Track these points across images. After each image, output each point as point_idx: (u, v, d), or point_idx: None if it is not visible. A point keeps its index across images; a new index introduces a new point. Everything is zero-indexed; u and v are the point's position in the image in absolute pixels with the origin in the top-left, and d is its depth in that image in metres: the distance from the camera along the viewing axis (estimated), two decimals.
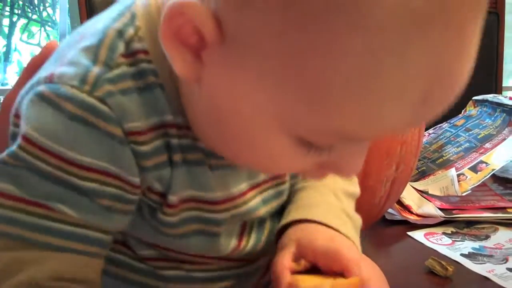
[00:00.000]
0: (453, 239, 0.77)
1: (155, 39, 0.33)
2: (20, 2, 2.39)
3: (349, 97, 0.28)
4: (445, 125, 1.11)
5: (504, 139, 0.94)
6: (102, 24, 0.36)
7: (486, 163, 0.90)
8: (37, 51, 2.33)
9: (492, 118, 1.03)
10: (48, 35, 2.39)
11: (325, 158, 0.34)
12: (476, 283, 0.65)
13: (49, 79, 0.34)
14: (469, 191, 0.86)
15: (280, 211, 0.48)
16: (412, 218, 0.83)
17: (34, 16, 2.40)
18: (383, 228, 0.82)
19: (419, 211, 0.84)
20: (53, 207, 0.34)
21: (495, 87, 1.47)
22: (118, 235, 0.42)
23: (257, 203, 0.44)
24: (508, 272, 0.66)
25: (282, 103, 0.30)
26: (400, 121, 0.30)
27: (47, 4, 2.42)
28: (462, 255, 0.72)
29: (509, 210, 0.86)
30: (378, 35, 0.26)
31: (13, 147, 0.34)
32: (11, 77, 2.36)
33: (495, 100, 1.06)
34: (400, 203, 0.86)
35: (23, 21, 2.38)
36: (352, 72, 0.27)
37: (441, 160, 0.98)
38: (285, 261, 0.42)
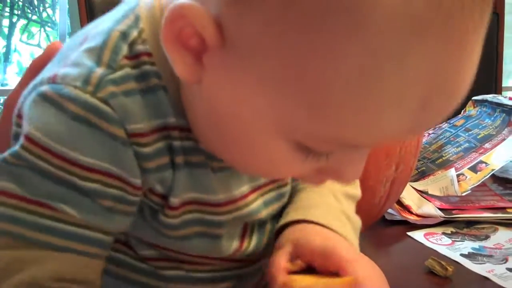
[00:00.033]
0: (453, 239, 0.77)
1: (158, 41, 0.34)
2: (20, 3, 2.40)
3: (348, 103, 0.28)
4: (444, 125, 1.11)
5: (504, 139, 0.94)
6: (106, 26, 0.36)
7: (485, 163, 0.90)
8: (37, 51, 2.34)
9: (492, 118, 1.03)
10: (48, 36, 2.39)
11: (323, 164, 0.34)
12: (476, 283, 0.65)
13: (52, 80, 0.35)
14: (469, 191, 0.86)
15: (281, 213, 0.48)
16: (412, 218, 0.83)
17: (34, 17, 2.40)
18: (383, 228, 0.82)
19: (419, 211, 0.84)
20: (55, 207, 0.35)
21: (494, 87, 1.47)
22: (120, 235, 0.42)
23: (259, 205, 0.44)
24: (508, 272, 0.66)
25: (281, 108, 0.30)
26: (399, 128, 0.30)
27: (46, 5, 2.42)
28: (462, 255, 0.72)
29: (508, 210, 0.86)
30: (377, 40, 0.26)
31: (16, 147, 0.35)
32: (11, 78, 2.36)
33: (495, 100, 1.06)
34: (400, 203, 0.86)
35: (23, 21, 2.38)
36: (351, 77, 0.27)
37: (440, 160, 0.98)
38: (280, 261, 0.42)
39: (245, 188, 0.43)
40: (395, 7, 0.26)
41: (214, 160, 0.39)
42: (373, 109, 0.28)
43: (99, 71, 0.34)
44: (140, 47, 0.35)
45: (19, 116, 0.36)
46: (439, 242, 0.76)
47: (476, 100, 1.11)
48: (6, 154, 0.35)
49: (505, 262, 0.69)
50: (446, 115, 0.31)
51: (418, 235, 0.79)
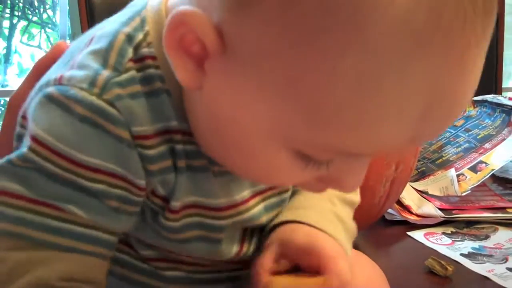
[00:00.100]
0: (453, 239, 0.77)
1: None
2: (20, 4, 2.40)
3: (347, 112, 0.28)
4: None
5: (504, 139, 0.95)
6: (112, 28, 0.36)
7: (485, 163, 0.90)
8: (37, 52, 2.34)
9: (492, 119, 1.04)
10: (48, 37, 2.39)
11: (324, 172, 0.34)
12: (476, 283, 0.65)
13: (59, 81, 0.34)
14: (469, 191, 0.86)
15: None
16: (412, 218, 0.83)
17: (34, 18, 2.40)
18: (383, 228, 0.83)
19: (419, 211, 0.84)
20: (62, 208, 0.34)
21: (495, 88, 1.47)
22: (121, 235, 0.42)
23: (260, 211, 0.44)
24: (508, 271, 0.66)
25: (281, 114, 0.30)
26: (399, 138, 0.30)
27: (47, 6, 2.42)
28: (462, 255, 0.72)
29: (508, 210, 0.86)
30: (378, 51, 0.26)
31: (23, 149, 0.34)
32: (12, 79, 2.36)
33: (495, 100, 1.06)
34: (399, 203, 0.86)
35: (23, 23, 2.37)
36: (350, 87, 0.27)
37: (440, 160, 0.98)
38: (264, 262, 0.42)
39: (246, 193, 0.42)
40: (396, 20, 0.26)
41: (215, 164, 0.39)
42: (373, 119, 0.28)
43: (105, 73, 0.34)
44: (145, 50, 0.35)
45: (24, 117, 0.36)
46: (439, 242, 0.76)
47: (476, 101, 1.11)
48: (12, 156, 0.35)
49: (505, 262, 0.69)
50: (447, 126, 0.31)
51: (418, 235, 0.79)
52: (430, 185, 0.92)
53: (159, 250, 0.43)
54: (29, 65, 2.32)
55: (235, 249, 0.44)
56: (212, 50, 0.31)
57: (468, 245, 0.75)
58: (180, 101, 0.36)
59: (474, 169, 0.90)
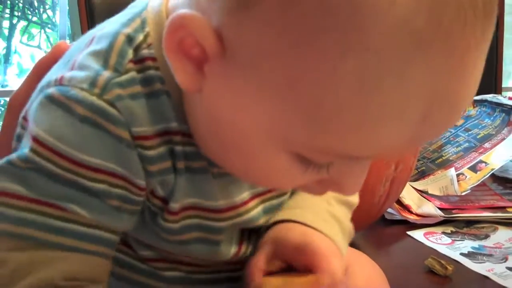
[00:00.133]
0: (453, 239, 0.77)
1: None
2: (20, 4, 2.40)
3: (346, 115, 0.28)
4: None
5: (503, 139, 0.95)
6: (112, 28, 0.36)
7: (485, 162, 0.91)
8: (37, 53, 2.34)
9: (491, 118, 1.04)
10: (48, 37, 2.39)
11: (324, 176, 0.34)
12: (476, 282, 0.65)
13: (59, 82, 0.35)
14: (469, 191, 0.86)
15: None
16: (411, 217, 0.83)
17: (34, 18, 2.40)
18: (383, 228, 0.83)
19: (419, 211, 0.84)
20: (65, 208, 0.34)
21: (494, 88, 1.47)
22: (121, 234, 0.42)
23: (258, 213, 0.44)
24: (508, 271, 0.66)
25: (280, 117, 0.30)
26: (399, 141, 0.30)
27: (47, 6, 2.42)
28: (461, 254, 0.72)
29: (508, 209, 0.86)
30: (376, 54, 0.26)
31: (24, 150, 0.34)
32: (11, 79, 2.36)
33: (494, 100, 1.06)
34: (399, 202, 0.86)
35: (23, 23, 2.37)
36: (350, 89, 0.27)
37: (440, 160, 0.99)
38: (257, 262, 0.42)
39: (245, 195, 0.42)
40: (396, 20, 0.26)
41: (215, 166, 0.39)
42: (373, 120, 0.28)
43: (106, 74, 0.34)
44: (145, 52, 0.35)
45: (25, 118, 0.36)
46: (439, 242, 0.76)
47: (475, 100, 1.12)
48: (13, 156, 0.35)
49: (505, 261, 0.69)
50: (447, 128, 0.31)
51: (418, 234, 0.79)
52: (430, 184, 0.92)
53: (158, 251, 0.43)
54: (29, 65, 2.32)
55: (233, 250, 0.44)
56: (211, 53, 0.30)
57: (468, 245, 0.75)
58: (180, 103, 0.36)
59: (474, 168, 0.90)
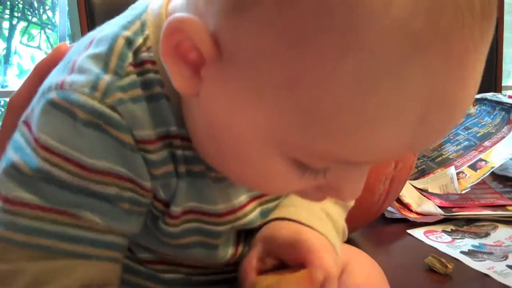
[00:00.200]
0: (453, 237, 0.77)
1: None
2: (20, 5, 2.40)
3: (344, 119, 0.28)
4: None
5: (503, 137, 0.95)
6: (112, 31, 0.36)
7: (485, 161, 0.91)
8: (37, 53, 2.34)
9: (491, 116, 1.04)
10: (48, 38, 2.39)
11: (321, 181, 0.34)
12: (476, 280, 0.65)
13: (60, 86, 0.34)
14: (469, 189, 0.86)
15: None
16: (411, 216, 0.84)
17: (34, 19, 2.40)
18: (383, 226, 0.83)
19: (419, 209, 0.84)
20: (78, 215, 0.34)
21: (494, 86, 1.47)
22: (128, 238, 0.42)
23: (256, 216, 0.44)
24: (508, 269, 0.66)
25: (277, 121, 0.30)
26: (397, 145, 0.29)
27: (46, 7, 2.42)
28: (462, 252, 0.72)
29: (508, 207, 0.86)
30: (372, 55, 0.26)
31: (33, 160, 0.34)
32: (11, 80, 2.36)
33: (494, 98, 1.07)
34: (399, 201, 0.86)
35: (23, 24, 2.37)
36: (347, 90, 0.27)
37: (440, 158, 0.99)
38: (251, 261, 0.42)
39: (243, 198, 0.42)
40: (392, 21, 0.26)
41: (212, 171, 0.39)
42: (370, 123, 0.28)
43: (107, 77, 0.34)
44: (144, 55, 0.35)
45: (26, 122, 0.36)
46: (439, 240, 0.76)
47: (475, 99, 1.11)
48: (21, 164, 0.34)
49: (505, 259, 0.69)
50: (446, 131, 0.31)
51: (418, 233, 0.79)
52: (430, 183, 0.92)
53: (157, 253, 0.43)
54: (29, 66, 2.32)
55: (230, 251, 0.44)
56: (208, 57, 0.30)
57: (468, 243, 0.75)
58: (179, 106, 0.36)
59: (473, 167, 0.91)
